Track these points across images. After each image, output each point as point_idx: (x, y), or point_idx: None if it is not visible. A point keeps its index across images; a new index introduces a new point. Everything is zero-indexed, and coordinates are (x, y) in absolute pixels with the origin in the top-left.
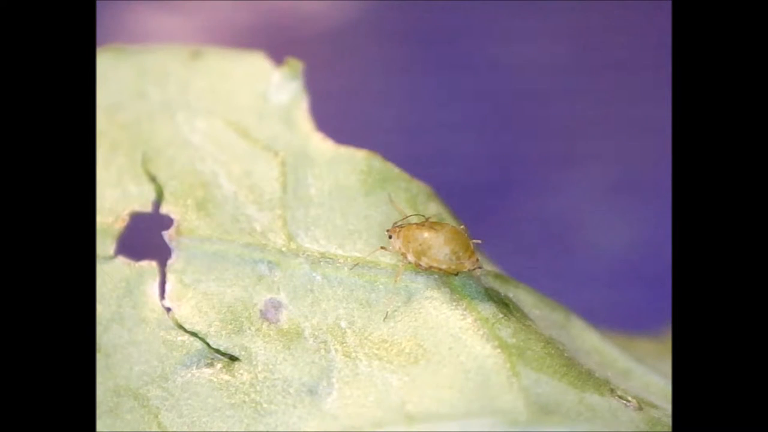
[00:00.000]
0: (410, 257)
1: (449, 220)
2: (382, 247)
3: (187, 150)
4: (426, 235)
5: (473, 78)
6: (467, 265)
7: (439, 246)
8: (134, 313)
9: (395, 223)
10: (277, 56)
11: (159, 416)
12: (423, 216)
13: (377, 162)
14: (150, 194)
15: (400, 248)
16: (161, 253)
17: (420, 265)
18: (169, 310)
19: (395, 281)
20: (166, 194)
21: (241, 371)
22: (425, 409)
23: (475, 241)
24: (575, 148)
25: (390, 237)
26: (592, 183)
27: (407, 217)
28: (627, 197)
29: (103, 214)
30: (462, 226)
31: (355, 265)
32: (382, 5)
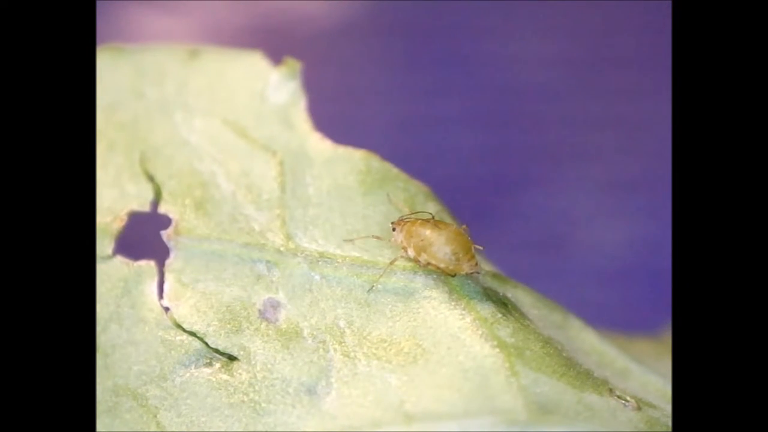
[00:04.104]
0: (410, 252)
1: (447, 220)
2: (375, 236)
3: (185, 149)
4: (428, 232)
5: (471, 77)
6: (465, 267)
7: (440, 245)
8: (133, 312)
9: (401, 216)
10: (275, 56)
11: (158, 416)
12: (430, 214)
13: (375, 162)
14: (148, 194)
15: (401, 242)
16: (160, 253)
17: (419, 261)
18: (167, 309)
19: (380, 277)
20: (165, 194)
21: (240, 371)
22: (424, 409)
23: (476, 246)
24: (574, 147)
25: (394, 229)
26: (591, 182)
27: (415, 213)
28: (626, 196)
29: (101, 213)
30: (464, 226)
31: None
32: (380, 5)
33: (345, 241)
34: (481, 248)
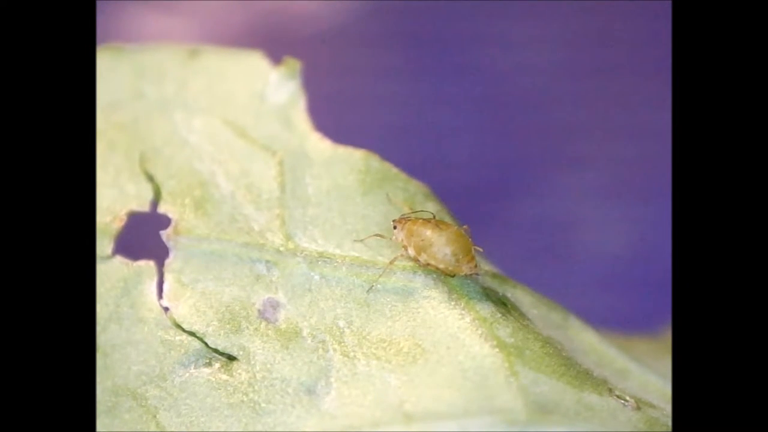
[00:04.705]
0: (410, 251)
1: (448, 220)
2: (378, 234)
3: (184, 149)
4: (429, 232)
5: (471, 80)
6: (465, 269)
7: (440, 245)
8: (132, 312)
9: (403, 214)
10: (275, 56)
11: (157, 416)
12: (431, 213)
13: (375, 162)
14: (148, 193)
15: (402, 240)
16: (159, 253)
17: (418, 260)
18: (167, 309)
19: (379, 277)
20: (164, 193)
21: (240, 371)
22: (423, 409)
23: (477, 248)
24: (575, 150)
25: (395, 227)
26: (592, 183)
27: (417, 212)
28: (626, 197)
29: (100, 213)
30: (465, 227)
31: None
32: (379, 6)
33: (355, 241)
34: (481, 250)
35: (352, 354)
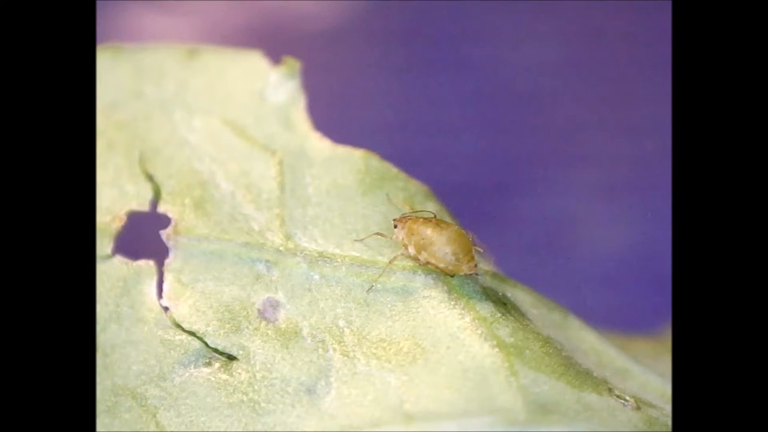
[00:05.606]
0: (411, 250)
1: (447, 219)
2: (378, 233)
3: (184, 149)
4: (430, 231)
5: (471, 78)
6: (465, 269)
7: (440, 244)
8: (132, 312)
9: (403, 213)
10: (275, 55)
11: (157, 415)
12: (432, 213)
13: (375, 161)
14: (147, 193)
15: (402, 239)
16: (159, 253)
17: (418, 259)
18: (166, 309)
19: (379, 277)
20: (164, 193)
21: (239, 370)
22: (423, 409)
23: (477, 248)
24: (575, 148)
25: (395, 226)
26: (592, 182)
27: (418, 211)
28: (627, 196)
29: (100, 213)
30: (457, 220)
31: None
32: (379, 5)
33: (355, 240)
34: (481, 250)
35: (351, 354)
